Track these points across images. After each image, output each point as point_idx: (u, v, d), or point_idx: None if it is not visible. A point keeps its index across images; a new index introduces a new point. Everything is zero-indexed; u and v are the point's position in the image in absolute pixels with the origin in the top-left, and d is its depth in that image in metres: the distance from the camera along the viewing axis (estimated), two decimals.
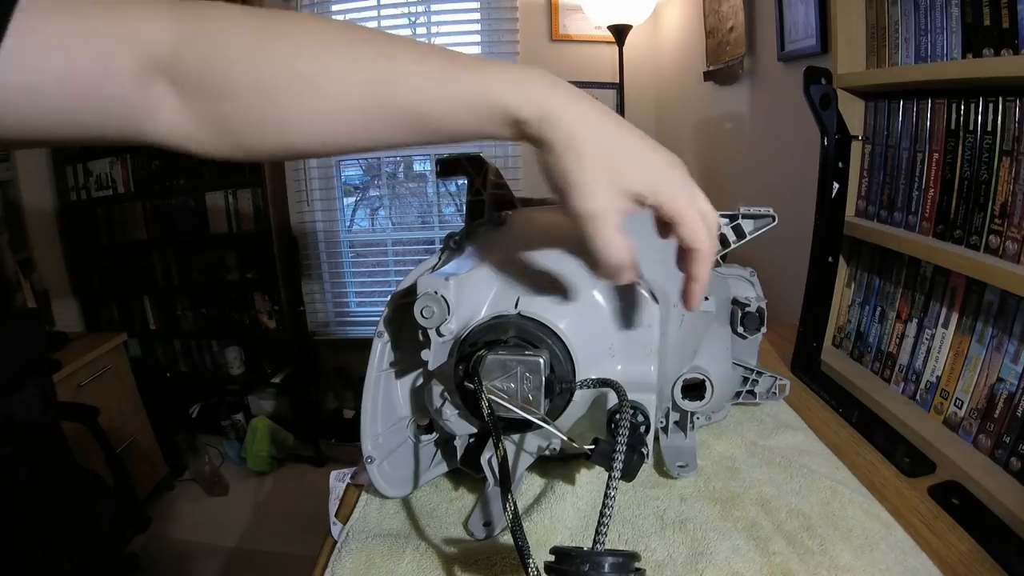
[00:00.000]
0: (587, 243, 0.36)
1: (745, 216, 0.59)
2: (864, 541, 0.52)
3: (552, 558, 0.34)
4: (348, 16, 2.49)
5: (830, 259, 0.85)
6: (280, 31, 0.33)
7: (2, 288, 2.05)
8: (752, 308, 0.62)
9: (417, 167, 2.72)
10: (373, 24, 2.47)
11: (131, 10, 0.30)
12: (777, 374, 0.71)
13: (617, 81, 2.17)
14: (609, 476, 0.36)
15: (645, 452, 0.43)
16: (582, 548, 0.33)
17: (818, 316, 0.88)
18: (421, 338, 0.49)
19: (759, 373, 0.71)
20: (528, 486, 0.61)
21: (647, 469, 0.63)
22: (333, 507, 0.61)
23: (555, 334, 0.46)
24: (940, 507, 0.58)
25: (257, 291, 2.52)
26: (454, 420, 0.51)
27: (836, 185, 0.81)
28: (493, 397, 0.43)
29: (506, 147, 2.44)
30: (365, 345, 0.57)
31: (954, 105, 0.67)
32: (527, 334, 0.46)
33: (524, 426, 0.48)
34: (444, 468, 0.63)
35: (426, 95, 0.33)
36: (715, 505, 0.57)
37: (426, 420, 0.60)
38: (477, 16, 2.44)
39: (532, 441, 0.55)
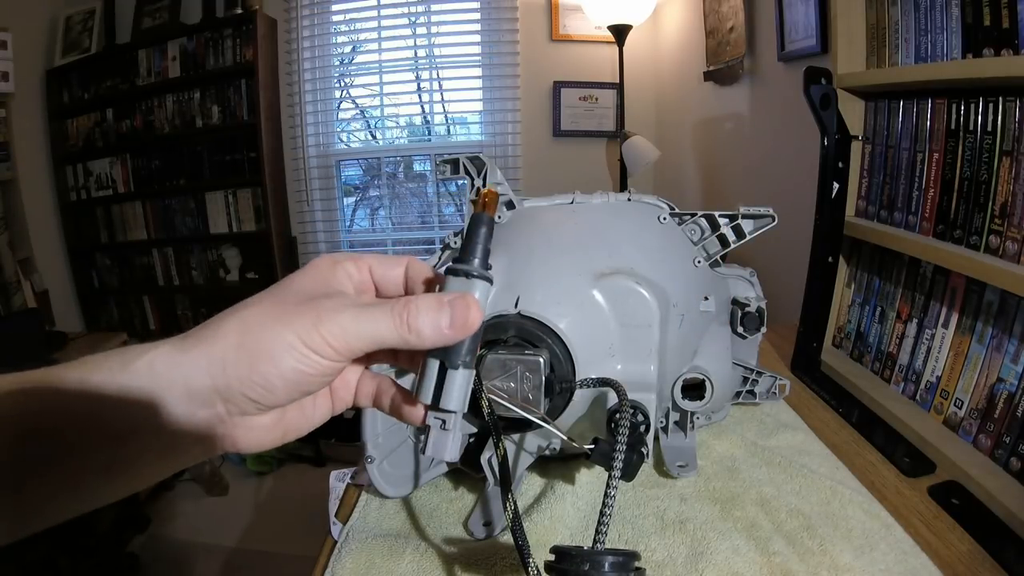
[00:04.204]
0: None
1: (745, 216, 0.59)
2: (864, 541, 0.52)
3: (552, 557, 0.34)
4: (348, 16, 2.49)
5: (830, 259, 0.85)
6: None
7: (2, 288, 2.05)
8: (752, 308, 0.62)
9: (417, 167, 2.72)
10: (373, 24, 2.47)
11: None
12: (777, 374, 0.71)
13: (617, 81, 2.17)
14: (609, 476, 0.36)
15: (645, 452, 0.43)
16: (582, 547, 0.33)
17: (818, 316, 0.88)
18: None
19: (759, 373, 0.71)
20: (528, 486, 0.61)
21: (647, 469, 0.63)
22: (333, 507, 0.61)
23: (555, 334, 0.46)
24: (940, 507, 0.58)
25: (257, 291, 2.52)
26: None
27: (836, 185, 0.81)
28: (493, 397, 0.43)
29: (506, 147, 2.44)
30: None
31: (954, 105, 0.67)
32: (527, 334, 0.46)
33: (524, 426, 0.48)
34: (444, 468, 0.63)
35: None
36: (715, 505, 0.57)
37: None
38: (477, 16, 2.44)
39: (532, 441, 0.55)
